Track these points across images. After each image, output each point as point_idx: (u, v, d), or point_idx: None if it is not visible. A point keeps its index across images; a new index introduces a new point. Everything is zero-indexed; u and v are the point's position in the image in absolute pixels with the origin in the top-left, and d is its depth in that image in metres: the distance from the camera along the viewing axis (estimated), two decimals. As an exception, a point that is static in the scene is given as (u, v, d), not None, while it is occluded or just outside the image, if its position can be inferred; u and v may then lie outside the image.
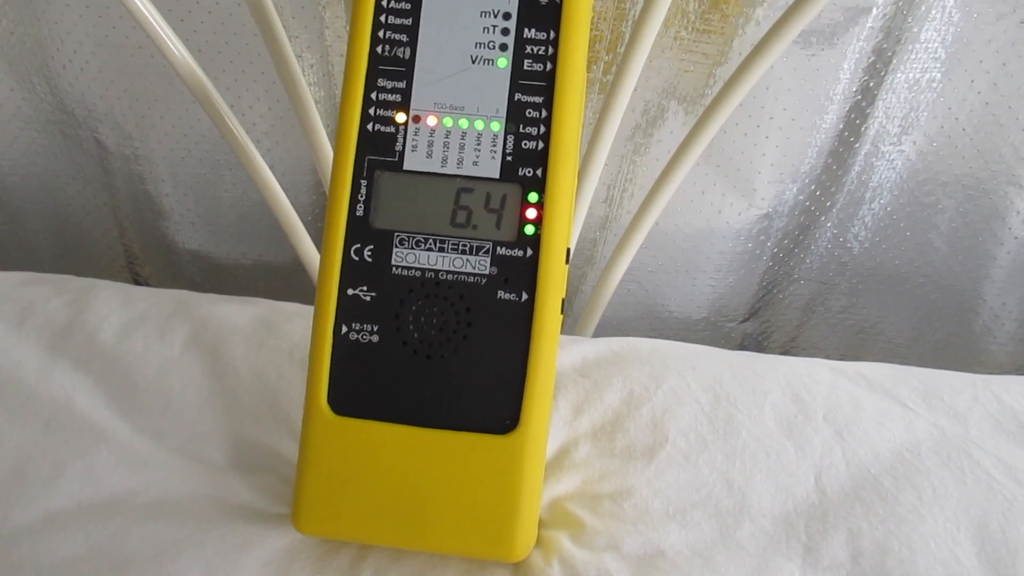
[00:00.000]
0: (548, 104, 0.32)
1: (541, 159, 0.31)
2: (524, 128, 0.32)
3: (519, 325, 0.31)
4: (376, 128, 0.32)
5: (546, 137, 0.31)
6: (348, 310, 0.31)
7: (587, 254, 0.56)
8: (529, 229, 0.31)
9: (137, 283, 0.64)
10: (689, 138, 0.43)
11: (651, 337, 0.44)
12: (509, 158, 0.32)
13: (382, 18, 0.32)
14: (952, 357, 0.60)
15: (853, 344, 0.62)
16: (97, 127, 0.54)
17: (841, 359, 0.47)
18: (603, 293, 0.49)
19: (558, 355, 0.39)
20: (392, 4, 0.32)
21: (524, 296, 0.31)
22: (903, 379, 0.40)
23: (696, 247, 0.54)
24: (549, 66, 0.32)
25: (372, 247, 0.32)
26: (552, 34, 0.32)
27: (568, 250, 0.32)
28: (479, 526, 0.31)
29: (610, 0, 0.47)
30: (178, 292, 0.44)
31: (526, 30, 0.32)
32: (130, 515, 0.33)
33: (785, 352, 0.60)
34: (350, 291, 0.32)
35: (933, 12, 0.45)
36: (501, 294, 0.31)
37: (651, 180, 0.44)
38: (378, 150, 0.32)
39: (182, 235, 0.60)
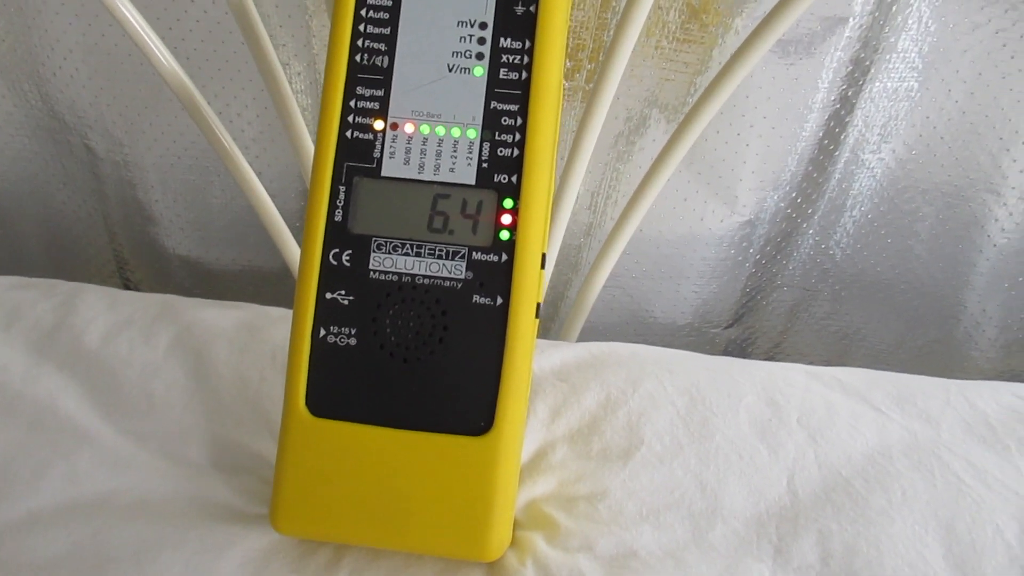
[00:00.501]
0: (523, 112, 0.32)
1: (516, 166, 0.32)
2: (500, 135, 0.32)
3: (494, 329, 0.31)
4: (355, 135, 0.33)
5: (521, 144, 0.32)
6: (326, 313, 0.32)
7: (572, 260, 0.56)
8: (504, 235, 0.32)
9: (127, 288, 0.64)
10: (668, 146, 0.43)
11: (636, 342, 0.44)
12: (485, 165, 0.32)
13: (361, 27, 0.33)
14: (935, 363, 0.61)
15: (837, 350, 0.62)
16: (87, 133, 0.55)
17: (825, 365, 0.48)
18: (587, 298, 0.50)
19: (537, 359, 0.40)
20: (371, 13, 0.33)
21: (499, 300, 0.32)
22: (877, 384, 0.40)
23: (679, 253, 0.55)
24: (524, 75, 0.32)
25: (350, 252, 0.32)
26: (527, 44, 0.32)
27: (544, 255, 0.33)
28: (454, 526, 0.31)
29: (592, 10, 0.48)
30: (163, 296, 0.44)
31: (502, 39, 0.33)
32: (111, 515, 0.33)
33: (769, 358, 0.60)
34: (328, 295, 0.32)
35: (910, 22, 0.46)
36: (476, 298, 0.32)
37: (634, 187, 0.45)
38: (356, 157, 0.32)
39: (172, 240, 0.60)
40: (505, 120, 0.32)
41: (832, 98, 0.49)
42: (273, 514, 0.32)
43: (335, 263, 0.32)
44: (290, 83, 0.48)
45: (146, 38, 0.42)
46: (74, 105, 0.54)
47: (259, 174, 0.48)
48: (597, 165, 0.53)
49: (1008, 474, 0.35)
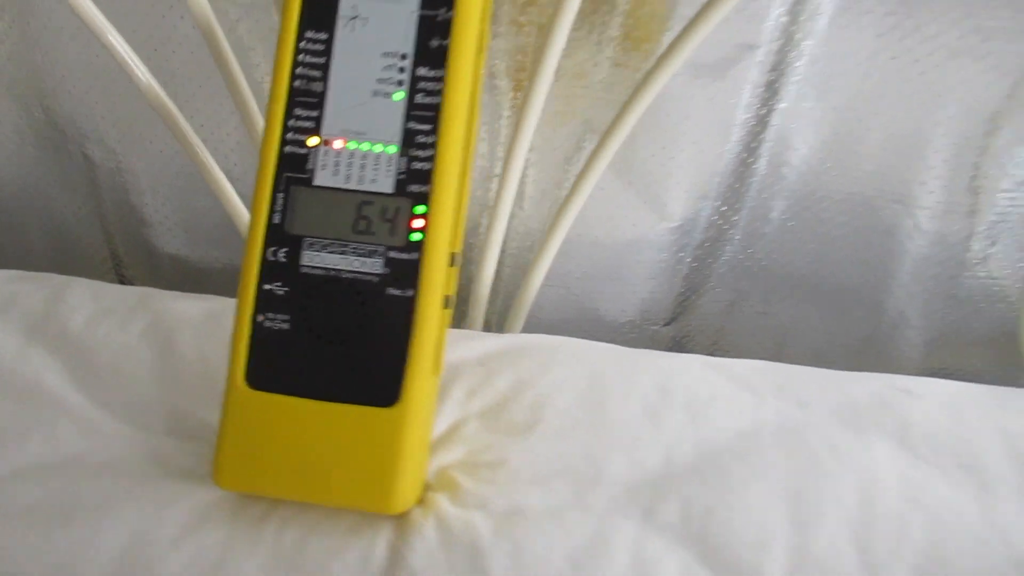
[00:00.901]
0: (435, 131, 0.38)
1: (428, 178, 0.37)
2: (414, 152, 0.38)
3: (404, 316, 0.37)
4: (292, 150, 0.38)
5: (432, 159, 0.37)
6: (264, 302, 0.38)
7: (521, 262, 0.62)
8: (416, 236, 0.37)
9: (123, 283, 0.70)
10: (590, 161, 0.49)
11: (584, 339, 0.50)
12: (402, 176, 0.38)
13: (300, 57, 0.39)
14: (867, 360, 0.66)
15: (774, 346, 0.67)
16: (85, 143, 0.61)
17: (767, 360, 0.53)
18: (526, 296, 0.55)
19: (464, 347, 0.45)
20: (309, 45, 0.39)
21: (409, 292, 0.37)
22: (764, 374, 0.45)
23: (618, 256, 0.60)
24: (437, 99, 0.38)
25: (286, 249, 0.38)
26: (441, 72, 0.38)
27: (454, 254, 0.38)
28: (367, 484, 0.36)
29: (534, 35, 0.53)
30: (143, 289, 0.50)
31: (419, 69, 0.38)
32: (81, 472, 0.39)
33: (710, 354, 0.65)
34: (266, 286, 0.38)
35: (815, 49, 0.51)
36: (390, 290, 0.37)
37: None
38: (293, 168, 0.38)
39: (162, 240, 0.66)
40: (419, 138, 0.38)
41: (748, 116, 0.54)
42: (215, 472, 0.37)
43: (273, 259, 0.38)
44: (258, 99, 0.54)
45: (127, 58, 0.48)
46: (73, 118, 0.60)
47: (238, 179, 0.54)
48: (547, 176, 0.58)
49: (860, 452, 0.40)
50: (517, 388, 0.43)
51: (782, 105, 0.53)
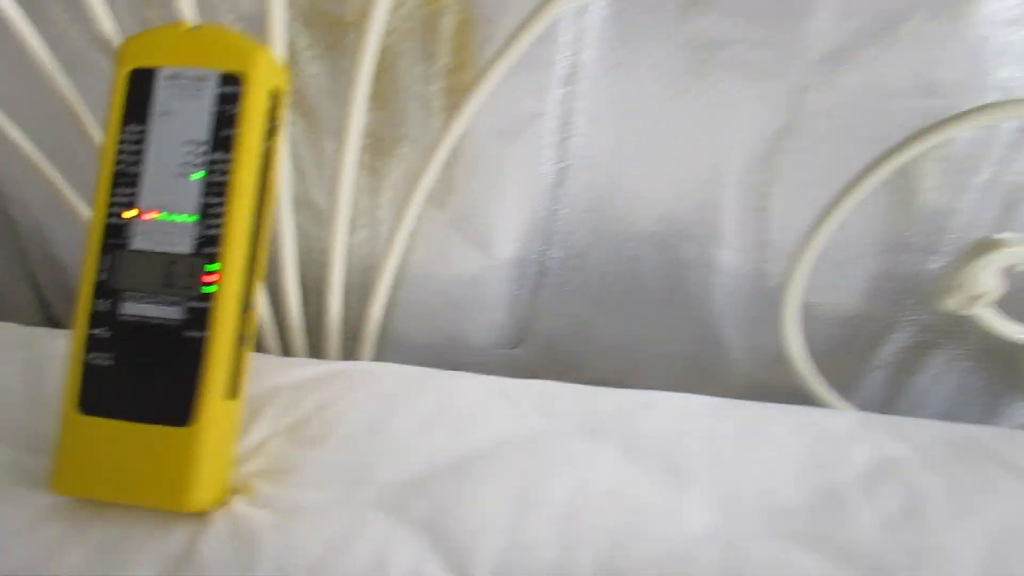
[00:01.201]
0: (224, 203, 0.47)
1: (219, 241, 0.47)
2: (209, 220, 0.47)
3: (198, 353, 0.46)
4: (114, 221, 0.48)
5: (222, 226, 0.47)
6: (92, 343, 0.47)
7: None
8: (209, 288, 0.46)
9: (52, 324, 0.80)
10: (402, 210, 0.58)
11: (441, 364, 0.59)
12: (198, 240, 0.47)
13: (122, 145, 0.48)
14: (699, 377, 0.74)
15: (623, 365, 0.75)
16: (8, 205, 0.71)
17: (619, 378, 0.62)
18: (369, 326, 0.65)
19: (284, 374, 0.55)
20: (129, 136, 0.48)
21: (204, 333, 0.46)
22: (531, 390, 0.54)
23: (464, 289, 0.69)
24: (227, 178, 0.47)
25: (110, 301, 0.47)
26: (229, 156, 0.47)
27: (248, 301, 0.48)
28: (170, 487, 0.46)
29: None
30: (29, 328, 0.60)
31: (214, 154, 0.47)
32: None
33: (559, 376, 0.74)
34: (94, 331, 0.47)
35: (595, 108, 0.60)
36: (188, 332, 0.46)
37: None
38: (115, 236, 0.47)
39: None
40: (213, 209, 0.47)
41: (548, 170, 0.63)
42: (53, 480, 0.47)
43: (99, 309, 0.47)
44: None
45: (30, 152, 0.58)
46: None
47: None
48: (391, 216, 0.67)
49: (587, 458, 0.49)
50: (319, 408, 0.52)
51: (575, 159, 0.62)
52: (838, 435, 0.51)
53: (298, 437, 0.51)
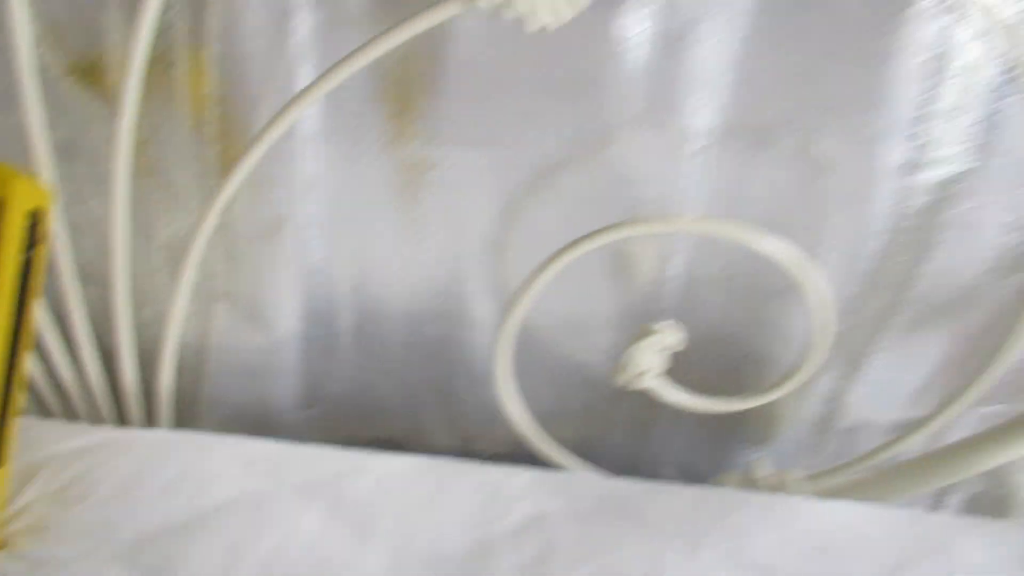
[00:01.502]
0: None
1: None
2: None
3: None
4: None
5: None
6: None
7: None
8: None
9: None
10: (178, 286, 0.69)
11: (251, 424, 0.69)
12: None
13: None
14: (472, 438, 0.85)
15: (406, 424, 0.86)
16: None
17: (403, 435, 0.72)
18: (162, 394, 0.75)
19: (66, 442, 0.65)
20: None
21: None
22: (268, 453, 0.64)
23: (254, 358, 0.80)
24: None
25: None
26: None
27: (10, 385, 0.58)
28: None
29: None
30: None
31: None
32: None
33: (353, 434, 0.84)
34: None
35: (337, 215, 0.71)
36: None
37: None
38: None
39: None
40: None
41: (311, 261, 0.74)
42: None
43: None
44: None
45: None
46: None
47: None
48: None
49: (295, 516, 0.60)
50: (85, 471, 0.63)
51: (331, 253, 0.73)
52: (509, 493, 0.62)
53: (62, 498, 0.61)
